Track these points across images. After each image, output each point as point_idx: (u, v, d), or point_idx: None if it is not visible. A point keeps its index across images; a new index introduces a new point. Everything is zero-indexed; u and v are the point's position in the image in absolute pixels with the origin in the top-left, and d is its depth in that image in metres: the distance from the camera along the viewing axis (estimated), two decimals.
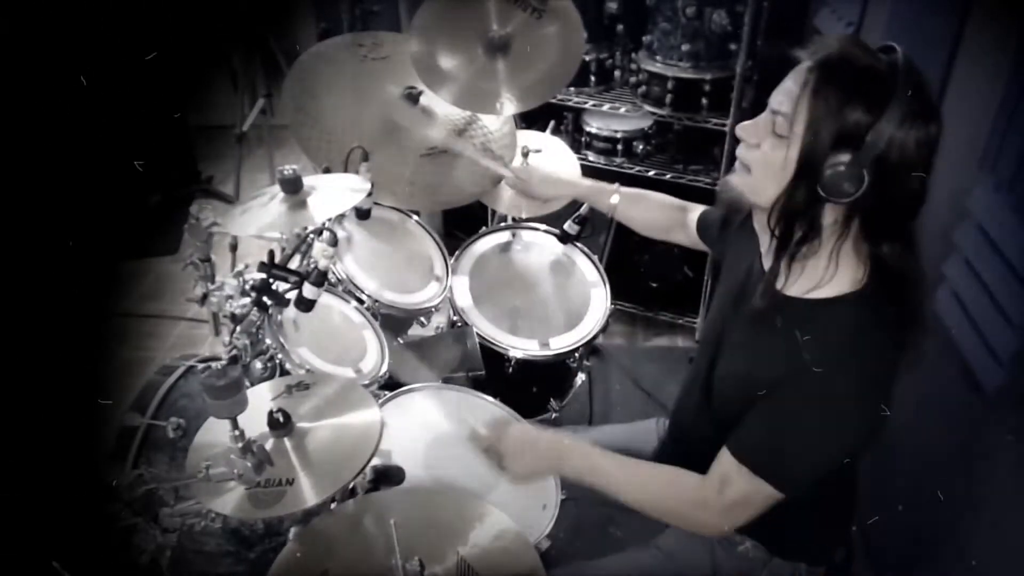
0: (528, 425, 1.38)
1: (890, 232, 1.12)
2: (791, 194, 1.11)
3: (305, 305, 1.40)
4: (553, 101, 2.54)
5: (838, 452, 1.15)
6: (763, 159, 1.13)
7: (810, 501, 1.24)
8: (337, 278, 1.69)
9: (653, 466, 1.28)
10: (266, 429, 1.13)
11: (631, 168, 2.73)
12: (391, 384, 1.58)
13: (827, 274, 1.13)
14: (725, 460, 1.18)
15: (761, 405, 1.15)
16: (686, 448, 1.41)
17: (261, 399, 1.20)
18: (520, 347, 1.84)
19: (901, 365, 1.13)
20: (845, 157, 1.04)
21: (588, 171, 2.13)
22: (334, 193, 1.37)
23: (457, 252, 2.00)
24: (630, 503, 1.27)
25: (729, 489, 1.17)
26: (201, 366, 1.61)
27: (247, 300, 1.43)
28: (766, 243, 1.23)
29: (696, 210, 1.65)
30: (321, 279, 1.38)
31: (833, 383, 1.09)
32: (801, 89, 1.08)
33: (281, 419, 1.12)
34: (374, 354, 1.61)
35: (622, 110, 2.66)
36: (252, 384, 1.27)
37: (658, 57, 2.54)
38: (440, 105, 1.87)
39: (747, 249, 1.32)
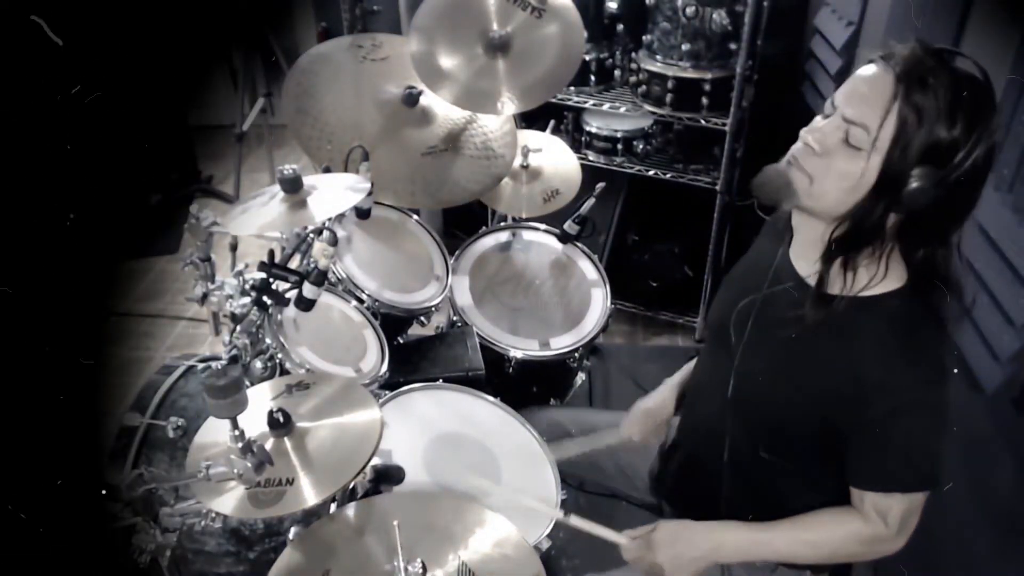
0: (672, 521, 1.35)
1: (940, 236, 1.12)
2: (868, 206, 1.09)
3: (305, 304, 1.40)
4: (553, 101, 2.54)
5: (946, 426, 1.16)
6: (833, 169, 1.11)
7: (817, 501, 1.25)
8: (337, 277, 1.68)
9: (811, 521, 1.26)
10: (266, 429, 1.13)
11: (631, 168, 2.73)
12: (391, 384, 1.58)
13: (878, 275, 1.14)
14: (873, 497, 1.19)
15: (867, 430, 1.15)
16: (703, 446, 1.42)
17: (261, 399, 1.20)
18: (520, 347, 1.84)
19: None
20: (929, 171, 1.03)
21: (588, 170, 2.13)
22: (334, 192, 1.37)
23: (457, 252, 2.00)
24: (804, 563, 1.30)
25: (891, 515, 1.18)
26: (201, 366, 1.62)
27: (247, 299, 1.43)
28: (804, 242, 1.23)
29: None
30: (321, 278, 1.38)
31: (918, 376, 1.12)
32: (889, 100, 1.05)
33: (281, 419, 1.12)
34: (374, 353, 1.61)
35: (622, 110, 2.66)
36: (252, 384, 1.27)
37: (658, 57, 2.54)
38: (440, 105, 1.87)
39: (771, 249, 1.32)
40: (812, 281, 1.20)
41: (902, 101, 1.04)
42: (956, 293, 1.14)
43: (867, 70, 1.10)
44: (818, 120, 1.16)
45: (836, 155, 1.10)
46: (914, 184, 1.05)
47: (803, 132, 1.15)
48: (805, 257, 1.24)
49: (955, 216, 1.11)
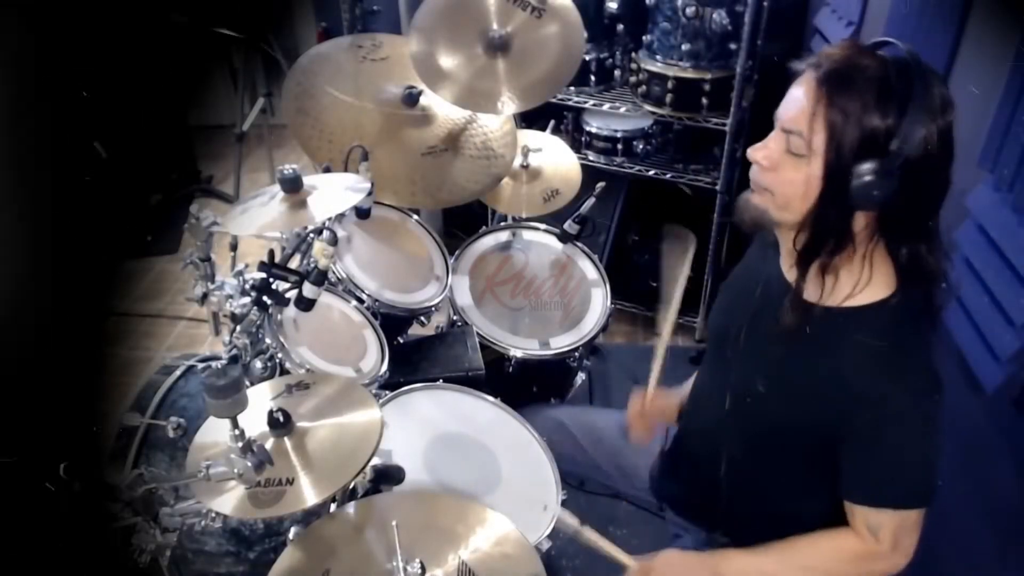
0: (672, 551, 1.34)
1: (920, 227, 1.12)
2: (820, 210, 1.10)
3: (305, 304, 1.40)
4: (553, 101, 2.54)
5: (940, 441, 1.15)
6: (784, 180, 1.12)
7: (815, 509, 1.25)
8: (337, 277, 1.68)
9: (806, 545, 1.25)
10: (266, 429, 1.13)
11: (631, 168, 2.73)
12: (391, 384, 1.58)
13: (862, 280, 1.13)
14: (863, 512, 1.18)
15: (856, 443, 1.15)
16: (702, 451, 1.42)
17: (261, 398, 1.20)
18: (520, 347, 1.84)
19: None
20: (872, 165, 1.03)
21: (588, 170, 2.13)
22: (334, 192, 1.37)
23: (457, 252, 2.00)
24: None
25: (884, 532, 1.17)
26: (201, 366, 1.62)
27: (247, 299, 1.43)
28: (787, 252, 1.23)
29: None
30: (321, 278, 1.38)
31: (905, 389, 1.11)
32: (814, 104, 1.06)
33: (281, 419, 1.12)
34: (374, 354, 1.61)
35: (622, 110, 2.66)
36: (252, 383, 1.27)
37: (658, 57, 2.54)
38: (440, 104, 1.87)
39: (763, 257, 1.32)
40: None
41: (826, 102, 1.05)
42: (947, 291, 1.14)
43: (801, 79, 1.10)
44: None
45: (784, 166, 1.12)
46: (859, 180, 1.04)
47: (750, 152, 1.16)
48: (790, 267, 1.24)
49: (926, 205, 1.10)
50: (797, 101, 1.09)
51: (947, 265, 1.14)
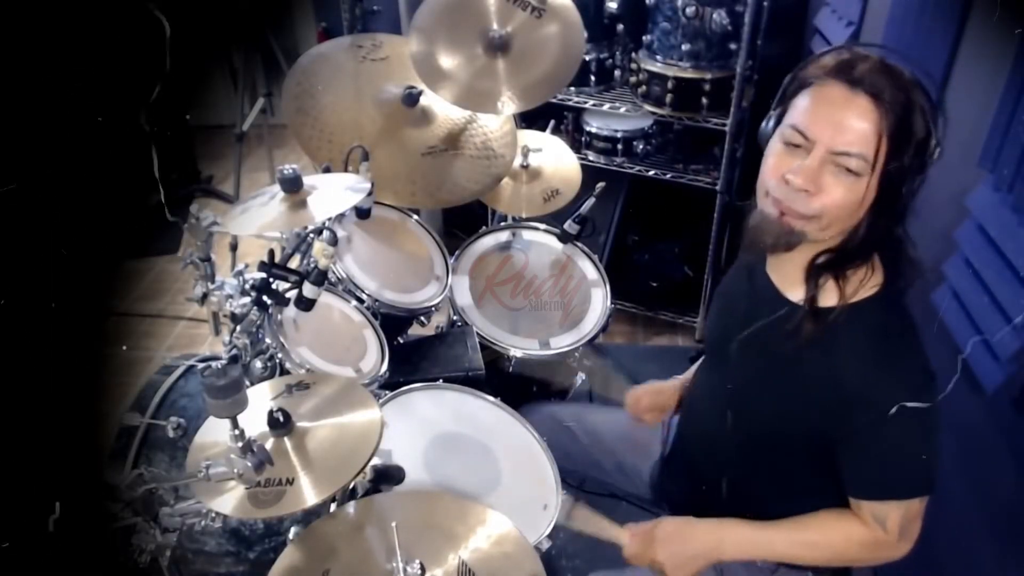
0: (674, 518, 1.35)
1: (904, 215, 1.14)
2: (874, 220, 1.12)
3: (305, 304, 1.40)
4: (553, 101, 2.53)
5: (936, 431, 1.16)
6: (835, 202, 1.10)
7: (812, 509, 1.25)
8: (337, 277, 1.68)
9: (812, 523, 1.26)
10: (266, 429, 1.13)
11: (631, 168, 2.73)
12: (391, 383, 1.58)
13: (866, 278, 1.16)
14: (869, 505, 1.19)
15: (856, 439, 1.16)
16: (701, 455, 1.43)
17: (261, 398, 1.20)
18: (520, 347, 1.84)
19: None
20: (920, 173, 1.08)
21: (588, 170, 2.13)
22: (334, 192, 1.37)
23: (457, 252, 2.00)
24: (805, 564, 1.29)
25: (890, 522, 1.18)
26: (201, 365, 1.62)
27: (247, 299, 1.43)
28: (783, 259, 1.22)
29: None
30: (321, 278, 1.38)
31: (895, 382, 1.12)
32: (878, 124, 1.06)
33: (281, 419, 1.12)
34: (374, 353, 1.61)
35: (622, 110, 2.66)
36: (252, 383, 1.27)
37: (658, 57, 2.54)
38: (440, 105, 1.87)
39: (754, 263, 1.32)
40: (794, 298, 1.21)
41: (887, 121, 1.06)
42: (921, 270, 1.17)
43: (835, 95, 1.08)
44: (776, 147, 1.15)
45: (832, 188, 1.10)
46: (905, 188, 1.08)
47: (784, 175, 1.12)
48: (782, 271, 1.25)
49: (913, 192, 1.12)
50: (854, 123, 1.07)
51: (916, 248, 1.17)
